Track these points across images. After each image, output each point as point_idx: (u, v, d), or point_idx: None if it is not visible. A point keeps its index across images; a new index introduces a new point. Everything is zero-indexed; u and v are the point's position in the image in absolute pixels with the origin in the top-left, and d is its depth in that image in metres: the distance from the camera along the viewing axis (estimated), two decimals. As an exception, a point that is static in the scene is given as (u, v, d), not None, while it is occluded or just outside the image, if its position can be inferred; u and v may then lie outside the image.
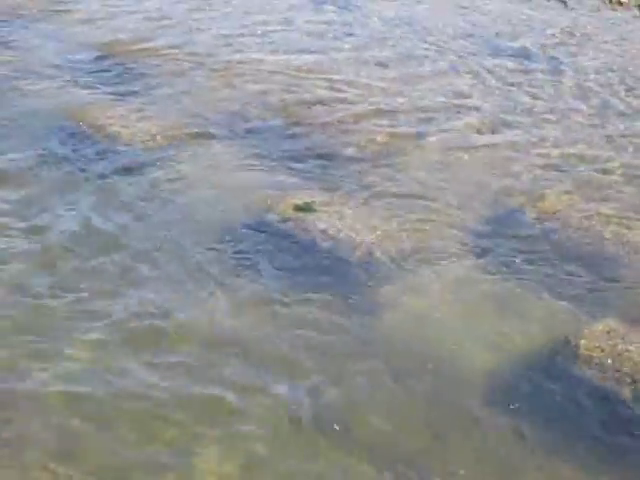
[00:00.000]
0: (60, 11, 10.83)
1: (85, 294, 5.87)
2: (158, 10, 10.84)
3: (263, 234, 6.61)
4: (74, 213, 6.79)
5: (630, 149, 7.99)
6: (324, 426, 4.92)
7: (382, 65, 9.53)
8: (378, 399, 5.14)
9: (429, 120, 8.46)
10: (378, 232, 6.55)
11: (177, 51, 9.62)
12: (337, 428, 4.91)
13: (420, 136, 8.16)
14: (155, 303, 5.83)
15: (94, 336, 5.50)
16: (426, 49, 10.01)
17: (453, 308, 5.91)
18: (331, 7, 11.06)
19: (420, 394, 5.18)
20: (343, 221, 6.65)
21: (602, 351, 5.34)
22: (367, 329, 5.69)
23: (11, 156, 7.59)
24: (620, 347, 5.36)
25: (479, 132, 8.26)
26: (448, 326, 5.73)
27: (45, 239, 6.44)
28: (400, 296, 5.98)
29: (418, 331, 5.68)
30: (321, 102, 8.60)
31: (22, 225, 6.63)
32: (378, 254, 6.31)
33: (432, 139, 8.12)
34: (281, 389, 5.18)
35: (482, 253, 6.47)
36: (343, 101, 8.68)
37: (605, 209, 6.95)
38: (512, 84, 9.22)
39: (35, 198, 6.99)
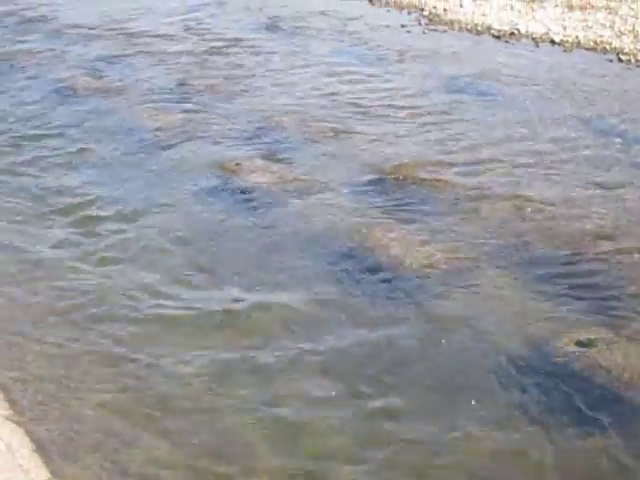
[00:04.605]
0: (346, 132, 11.60)
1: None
2: (448, 137, 11.39)
3: (542, 368, 6.88)
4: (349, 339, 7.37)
5: None
6: None
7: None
8: None
9: None
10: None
11: (461, 180, 10.06)
12: None
13: None
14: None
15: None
16: None
17: None
18: (617, 139, 11.20)
19: None
20: (627, 360, 6.77)
21: None
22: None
23: (298, 282, 8.27)
24: None
25: None
26: None
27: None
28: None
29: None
30: (606, 235, 8.76)
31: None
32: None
33: None
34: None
35: None
36: (629, 235, 8.80)
37: None
38: None
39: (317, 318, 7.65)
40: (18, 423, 6.45)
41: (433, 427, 6.37)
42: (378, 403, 6.61)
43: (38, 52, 15.58)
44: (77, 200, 9.94)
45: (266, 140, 11.45)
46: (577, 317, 7.46)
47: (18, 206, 9.81)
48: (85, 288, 8.20)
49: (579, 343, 7.05)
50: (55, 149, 11.35)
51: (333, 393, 6.72)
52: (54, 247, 8.98)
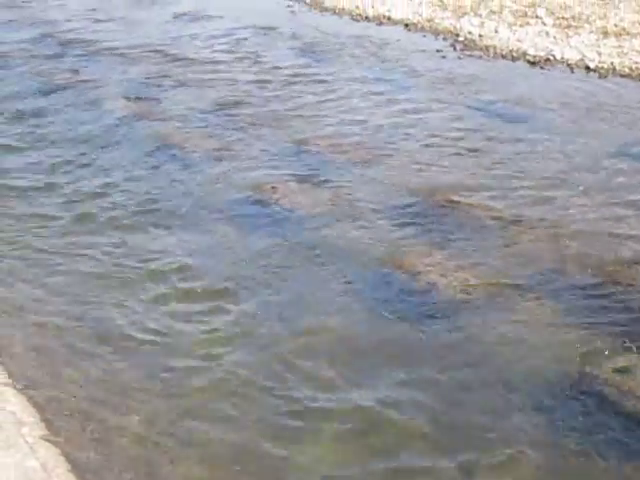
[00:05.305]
0: (382, 156, 11.61)
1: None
2: (483, 162, 11.36)
3: (577, 394, 6.83)
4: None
5: None
6: None
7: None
8: None
9: None
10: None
11: (497, 205, 10.02)
12: None
13: None
14: None
15: None
16: None
17: None
18: None
19: None
20: (666, 388, 6.73)
21: None
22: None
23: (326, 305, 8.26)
24: None
25: None
26: None
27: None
28: None
29: None
30: (640, 262, 8.73)
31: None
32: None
33: None
34: None
35: None
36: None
37: None
38: None
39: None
40: (54, 443, 6.46)
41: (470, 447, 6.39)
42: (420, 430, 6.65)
43: (80, 75, 15.73)
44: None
45: (302, 164, 11.48)
46: (613, 344, 7.40)
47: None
48: (126, 310, 8.25)
49: (615, 370, 7.01)
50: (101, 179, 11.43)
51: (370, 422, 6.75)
52: (92, 261, 9.13)
